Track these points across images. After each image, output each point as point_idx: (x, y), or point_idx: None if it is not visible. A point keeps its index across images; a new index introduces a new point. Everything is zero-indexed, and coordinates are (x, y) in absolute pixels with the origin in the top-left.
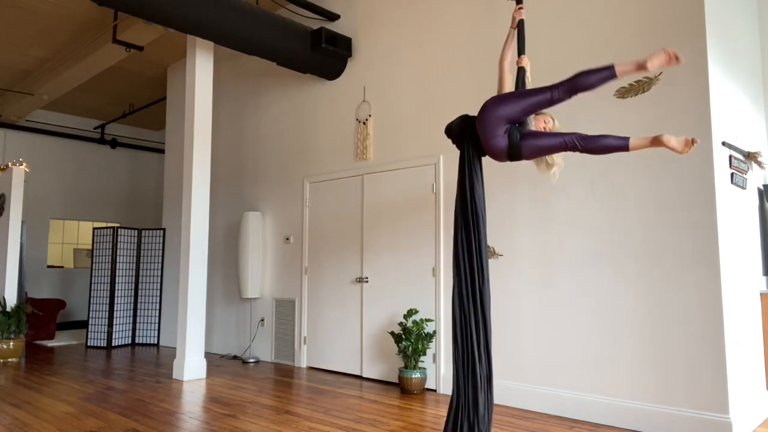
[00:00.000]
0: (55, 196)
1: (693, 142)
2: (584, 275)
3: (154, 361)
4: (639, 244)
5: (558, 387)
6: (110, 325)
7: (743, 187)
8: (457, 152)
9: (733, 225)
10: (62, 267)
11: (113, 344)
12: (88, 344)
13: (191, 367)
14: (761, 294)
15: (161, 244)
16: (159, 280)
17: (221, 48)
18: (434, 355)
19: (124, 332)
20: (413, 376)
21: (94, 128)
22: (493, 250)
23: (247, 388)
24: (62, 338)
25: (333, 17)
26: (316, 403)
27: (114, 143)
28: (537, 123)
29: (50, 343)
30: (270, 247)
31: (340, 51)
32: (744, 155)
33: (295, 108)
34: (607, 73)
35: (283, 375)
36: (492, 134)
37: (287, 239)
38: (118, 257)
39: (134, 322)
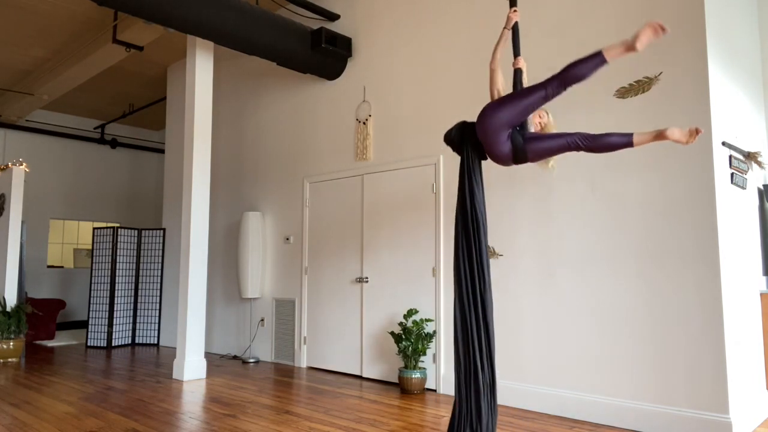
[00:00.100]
0: (55, 196)
1: (697, 131)
2: (584, 275)
3: (154, 361)
4: (639, 244)
5: (558, 387)
6: (110, 325)
7: (743, 187)
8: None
9: (733, 225)
10: (62, 267)
11: (113, 344)
12: (88, 344)
13: (191, 367)
14: (761, 294)
15: (161, 244)
16: (159, 280)
17: (221, 48)
18: (434, 355)
19: (124, 332)
20: (413, 376)
21: (94, 128)
22: (493, 250)
23: (247, 388)
24: (62, 338)
25: (333, 17)
26: (316, 403)
27: (114, 143)
28: (532, 118)
29: (50, 343)
30: (270, 247)
31: (340, 51)
32: (744, 155)
33: (295, 108)
34: (596, 60)
35: (283, 375)
36: (495, 141)
37: (287, 239)
38: (118, 257)
39: (134, 322)
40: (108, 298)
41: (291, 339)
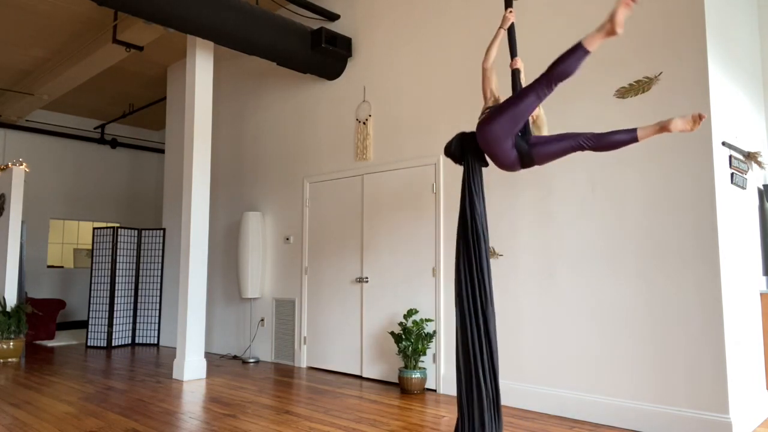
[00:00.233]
0: (55, 196)
1: (700, 117)
2: (584, 275)
3: (154, 361)
4: (639, 244)
5: (558, 387)
6: (110, 325)
7: (743, 187)
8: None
9: (733, 225)
10: (62, 267)
11: (113, 344)
12: (88, 344)
13: (191, 367)
14: (761, 294)
15: (161, 244)
16: (159, 280)
17: (221, 48)
18: (434, 355)
19: (124, 332)
20: (413, 376)
21: (94, 128)
22: (493, 250)
23: (247, 388)
24: (62, 338)
25: (333, 17)
26: (316, 403)
27: (114, 143)
28: None
29: (50, 343)
30: (270, 247)
31: (340, 51)
32: (744, 155)
33: (295, 108)
34: (578, 53)
35: (283, 375)
36: (499, 151)
37: (287, 239)
38: (118, 257)
39: (134, 322)
40: (108, 298)
41: (291, 339)
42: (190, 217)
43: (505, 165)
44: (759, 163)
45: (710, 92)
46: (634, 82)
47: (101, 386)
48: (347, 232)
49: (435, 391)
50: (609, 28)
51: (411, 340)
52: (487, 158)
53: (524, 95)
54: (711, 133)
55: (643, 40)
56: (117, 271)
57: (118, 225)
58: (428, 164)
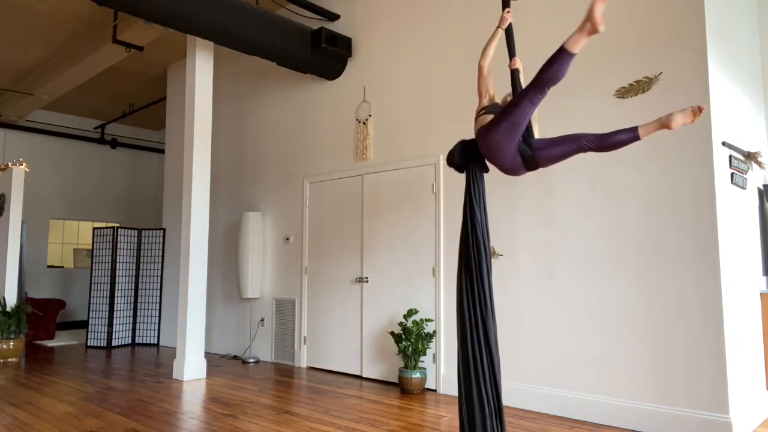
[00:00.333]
0: (55, 196)
1: (700, 109)
2: (584, 275)
3: (154, 361)
4: (639, 244)
5: (558, 387)
6: (110, 325)
7: (743, 187)
8: None
9: (733, 225)
10: (62, 267)
11: (113, 344)
12: (88, 344)
13: (191, 367)
14: (761, 294)
15: (161, 244)
16: (159, 280)
17: (221, 48)
18: (434, 355)
19: (124, 332)
20: (413, 376)
21: (94, 128)
22: (494, 250)
23: (247, 388)
24: (62, 338)
25: (333, 17)
26: (316, 403)
27: (114, 143)
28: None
29: (50, 343)
30: (270, 247)
31: (340, 51)
32: (744, 155)
33: (295, 108)
34: (563, 56)
35: (283, 375)
36: (503, 157)
37: (287, 239)
38: (118, 257)
39: (134, 322)
40: (108, 298)
41: (291, 339)
42: (190, 217)
43: (509, 170)
44: (759, 163)
45: (710, 92)
46: (634, 82)
47: (101, 386)
48: (347, 232)
49: (435, 391)
50: (590, 28)
51: (411, 340)
52: (489, 164)
53: (518, 103)
54: (711, 133)
55: (643, 40)
56: (117, 271)
57: (118, 225)
58: (428, 164)
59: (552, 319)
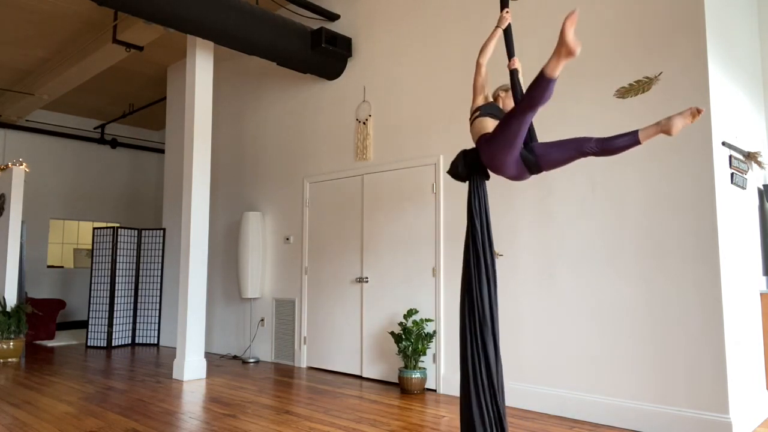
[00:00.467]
0: (55, 196)
1: (699, 111)
2: (584, 275)
3: (154, 361)
4: (639, 244)
5: (558, 387)
6: (110, 325)
7: (743, 187)
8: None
9: (733, 225)
10: (62, 267)
11: (113, 344)
12: (88, 344)
13: (191, 367)
14: (761, 294)
15: (161, 244)
16: (159, 280)
17: (221, 48)
18: (434, 355)
19: (124, 332)
20: (413, 376)
21: (94, 128)
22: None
23: (247, 388)
24: (62, 338)
25: (333, 17)
26: (316, 403)
27: (114, 143)
28: (509, 102)
29: (50, 343)
30: (270, 247)
31: (340, 51)
32: (744, 155)
33: (295, 108)
34: (544, 82)
35: (283, 375)
36: (506, 169)
37: (287, 239)
38: (118, 257)
39: (134, 322)
40: (108, 298)
41: (291, 339)
42: (190, 217)
43: (514, 178)
44: (759, 163)
45: (710, 92)
46: (634, 82)
47: (101, 386)
48: (347, 232)
49: (435, 391)
50: (565, 51)
51: (411, 340)
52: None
53: (509, 123)
54: (711, 133)
55: (643, 40)
56: (117, 271)
57: (118, 225)
58: (428, 164)
59: (552, 319)
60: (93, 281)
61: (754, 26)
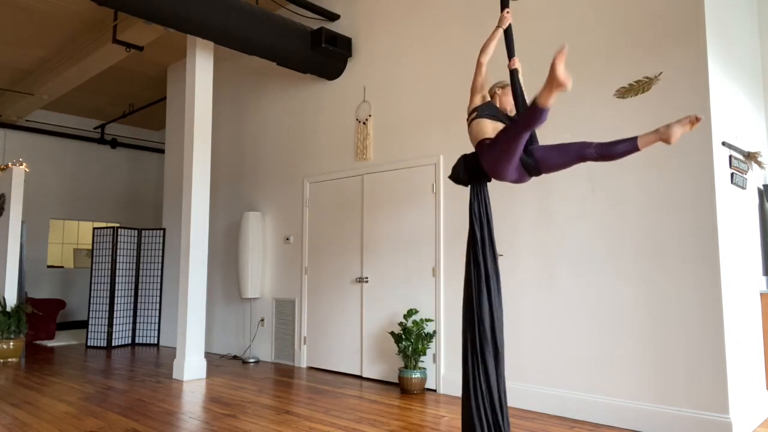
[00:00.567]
0: (55, 196)
1: (697, 119)
2: (584, 275)
3: (154, 361)
4: (639, 244)
5: (558, 387)
6: (110, 325)
7: (743, 187)
8: (457, 152)
9: (733, 225)
10: (62, 267)
11: (113, 344)
12: (88, 344)
13: (191, 367)
14: (761, 294)
15: (161, 244)
16: (159, 280)
17: (221, 48)
18: (434, 355)
19: (124, 332)
20: (413, 376)
21: (94, 128)
22: None
23: (247, 388)
24: (62, 338)
25: (333, 17)
26: (316, 403)
27: (114, 143)
28: (506, 99)
29: (50, 343)
30: (270, 247)
31: (340, 51)
32: (744, 155)
33: (295, 108)
34: (537, 111)
35: (283, 375)
36: (506, 175)
37: (287, 239)
38: (118, 257)
39: (134, 322)
40: (108, 298)
41: (291, 339)
42: (190, 217)
43: (514, 181)
44: (759, 163)
45: (710, 92)
46: (634, 82)
47: (101, 386)
48: (347, 232)
49: (435, 391)
50: (556, 84)
51: (411, 340)
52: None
53: (505, 141)
54: (711, 133)
55: (643, 40)
56: (117, 271)
57: (118, 225)
58: (428, 164)
59: (552, 319)
60: (93, 281)
61: (754, 26)
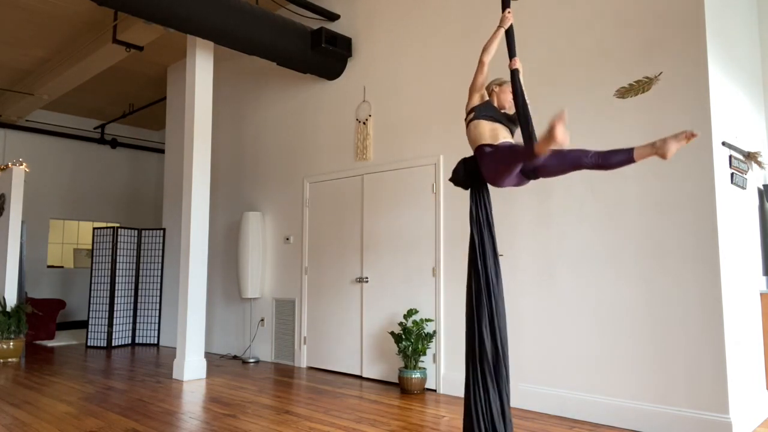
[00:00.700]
0: (55, 196)
1: (693, 135)
2: (584, 275)
3: (154, 361)
4: (639, 245)
5: (558, 387)
6: (110, 325)
7: (743, 187)
8: (457, 152)
9: (733, 225)
10: (62, 267)
11: (113, 344)
12: (88, 344)
13: (191, 367)
14: (761, 294)
15: (161, 244)
16: (159, 280)
17: (221, 48)
18: (434, 355)
19: (124, 332)
20: (413, 376)
21: (94, 128)
22: None
23: (247, 388)
24: (62, 338)
25: (333, 17)
26: (316, 403)
27: (114, 143)
28: (503, 96)
29: (50, 343)
30: (270, 247)
31: (340, 51)
32: (744, 155)
33: (295, 108)
34: (534, 158)
35: (283, 375)
36: (506, 183)
37: (287, 239)
38: (118, 257)
39: (134, 322)
40: (108, 298)
41: (291, 339)
42: (190, 217)
43: (513, 185)
44: (759, 163)
45: (710, 92)
46: (634, 82)
47: (101, 386)
48: (347, 232)
49: (435, 391)
50: (553, 142)
51: (411, 340)
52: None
53: (504, 162)
54: (711, 133)
55: (643, 40)
56: (117, 271)
57: (118, 225)
58: (428, 164)
59: (552, 320)
60: (93, 281)
61: (754, 26)
